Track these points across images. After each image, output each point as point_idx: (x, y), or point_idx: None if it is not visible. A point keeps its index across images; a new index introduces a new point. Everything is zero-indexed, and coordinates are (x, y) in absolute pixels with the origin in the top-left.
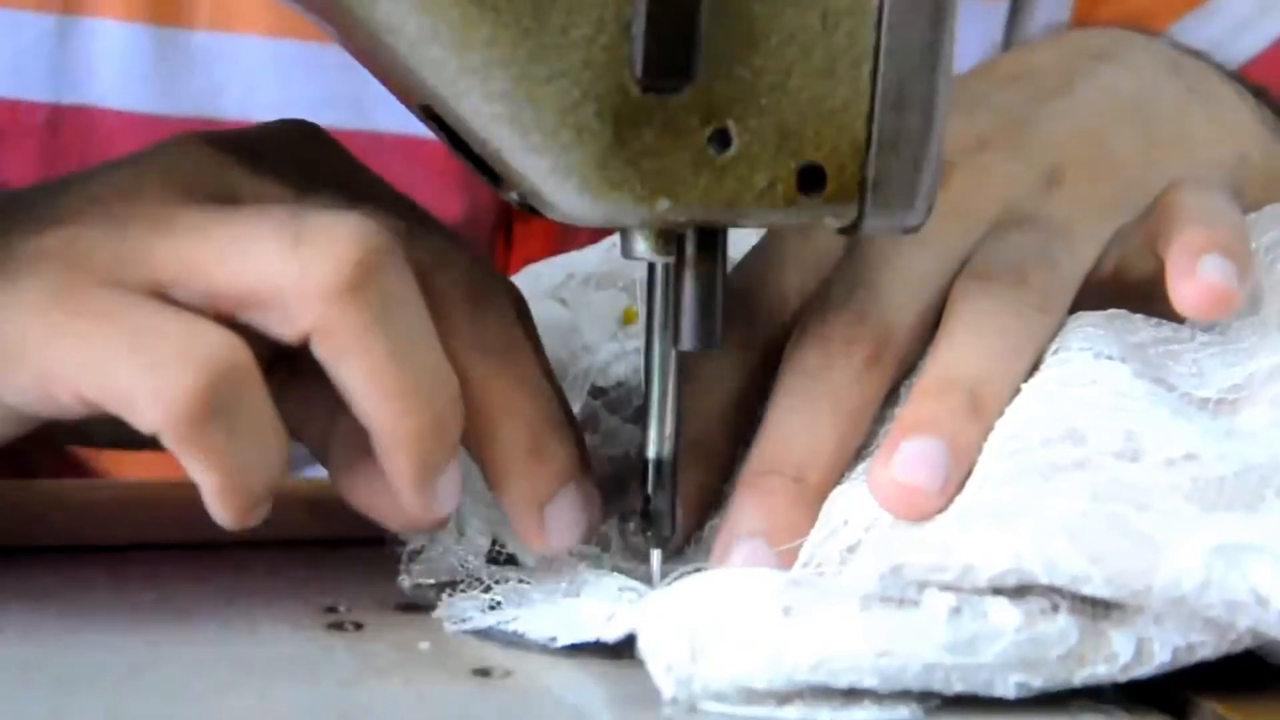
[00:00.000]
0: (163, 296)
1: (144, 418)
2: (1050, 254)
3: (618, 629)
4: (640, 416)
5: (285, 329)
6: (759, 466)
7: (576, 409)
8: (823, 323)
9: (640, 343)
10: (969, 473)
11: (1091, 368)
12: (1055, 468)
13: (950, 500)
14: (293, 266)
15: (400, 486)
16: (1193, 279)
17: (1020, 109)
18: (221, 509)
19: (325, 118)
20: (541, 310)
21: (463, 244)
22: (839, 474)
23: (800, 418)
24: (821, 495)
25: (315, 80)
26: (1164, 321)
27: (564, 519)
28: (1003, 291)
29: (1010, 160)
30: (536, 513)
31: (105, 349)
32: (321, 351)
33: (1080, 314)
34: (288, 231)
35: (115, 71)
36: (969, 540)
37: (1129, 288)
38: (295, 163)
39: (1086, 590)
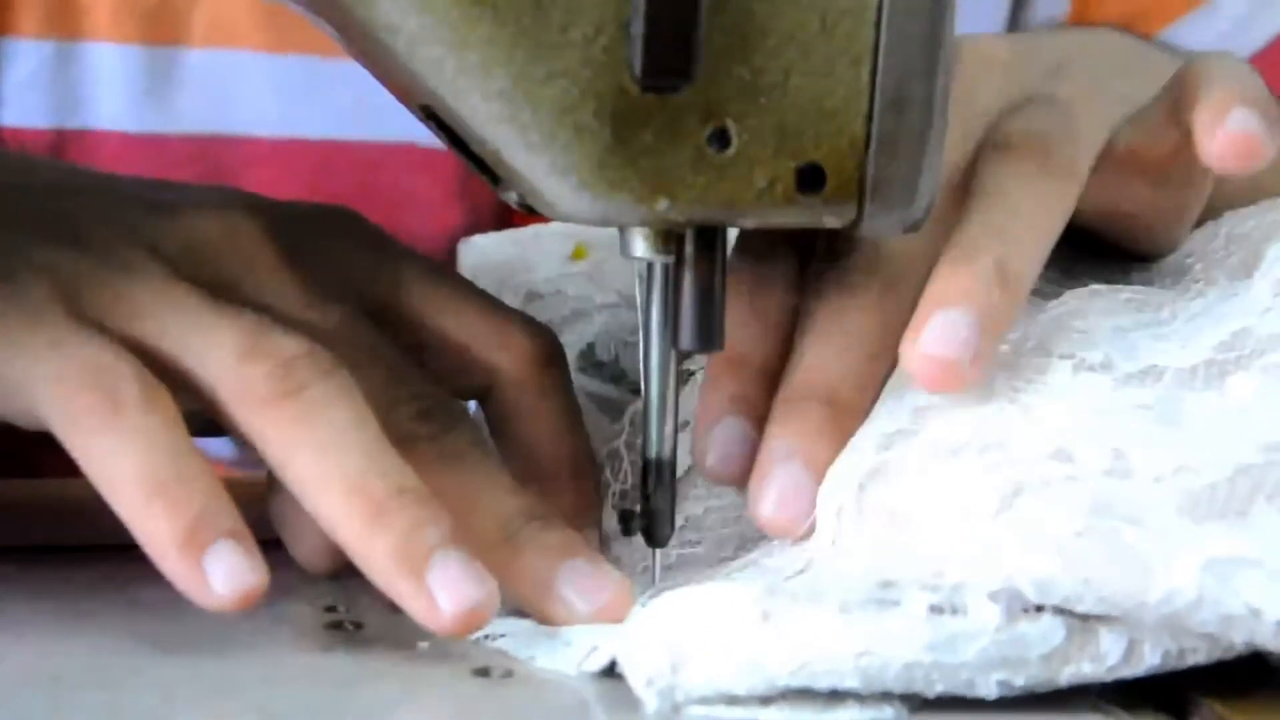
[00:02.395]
0: (133, 347)
1: (57, 431)
2: (1069, 124)
3: (600, 660)
4: (571, 320)
5: (232, 432)
6: (789, 395)
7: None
8: (838, 263)
9: (588, 266)
10: (999, 343)
11: (1071, 384)
12: (1046, 483)
13: (982, 371)
14: (232, 374)
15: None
16: (1221, 132)
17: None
18: (156, 538)
19: (325, 130)
20: (492, 253)
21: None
22: (872, 393)
23: (827, 346)
24: (855, 415)
25: (314, 93)
26: (1147, 297)
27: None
28: (1026, 162)
29: (1013, 62)
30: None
31: (39, 368)
32: (267, 460)
33: (1064, 294)
34: (245, 342)
35: (113, 94)
36: (960, 559)
37: (1145, 166)
38: (327, 249)
39: (1079, 609)
